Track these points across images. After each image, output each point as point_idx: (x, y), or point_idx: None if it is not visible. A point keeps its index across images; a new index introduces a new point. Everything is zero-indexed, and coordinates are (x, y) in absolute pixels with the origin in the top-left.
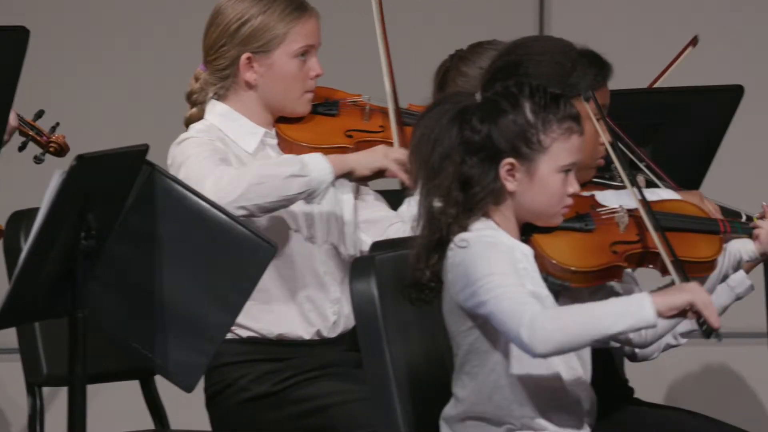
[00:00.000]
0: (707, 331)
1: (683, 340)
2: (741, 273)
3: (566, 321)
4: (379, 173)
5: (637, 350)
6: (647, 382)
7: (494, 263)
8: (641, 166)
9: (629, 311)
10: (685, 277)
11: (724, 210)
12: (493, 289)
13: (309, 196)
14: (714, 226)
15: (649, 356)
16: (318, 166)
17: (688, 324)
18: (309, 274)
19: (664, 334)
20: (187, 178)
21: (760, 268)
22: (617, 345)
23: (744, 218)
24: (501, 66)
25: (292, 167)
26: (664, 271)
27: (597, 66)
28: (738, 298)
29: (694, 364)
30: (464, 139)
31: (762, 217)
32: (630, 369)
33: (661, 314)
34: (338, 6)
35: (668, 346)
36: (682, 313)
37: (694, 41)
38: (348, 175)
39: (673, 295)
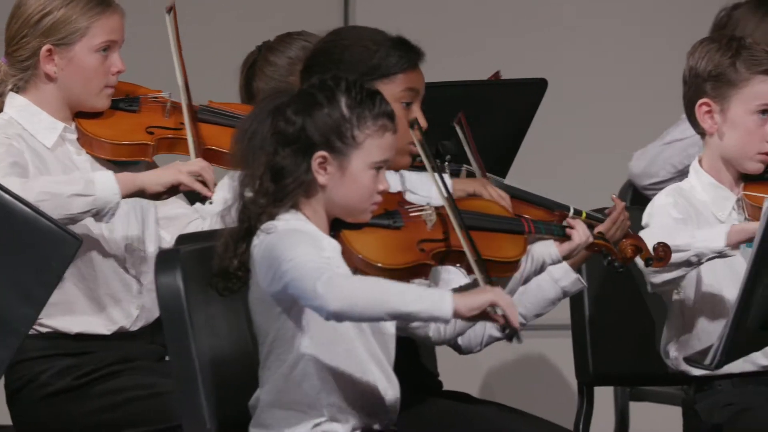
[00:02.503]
0: (509, 334)
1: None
2: (564, 266)
3: (364, 286)
4: (173, 188)
5: (461, 344)
6: (464, 375)
7: (297, 245)
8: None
9: (428, 298)
10: (488, 278)
11: (554, 203)
12: (294, 259)
13: (96, 215)
14: (519, 227)
15: (473, 349)
16: (105, 186)
17: None
18: (110, 271)
19: (461, 332)
20: None
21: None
22: (418, 336)
23: (572, 212)
24: (313, 54)
25: (77, 186)
26: (470, 271)
27: (404, 49)
28: (565, 292)
29: (508, 355)
30: (278, 129)
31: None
32: (446, 362)
33: (459, 313)
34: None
35: (492, 339)
36: (484, 314)
37: (496, 75)
38: (139, 194)
39: (474, 296)
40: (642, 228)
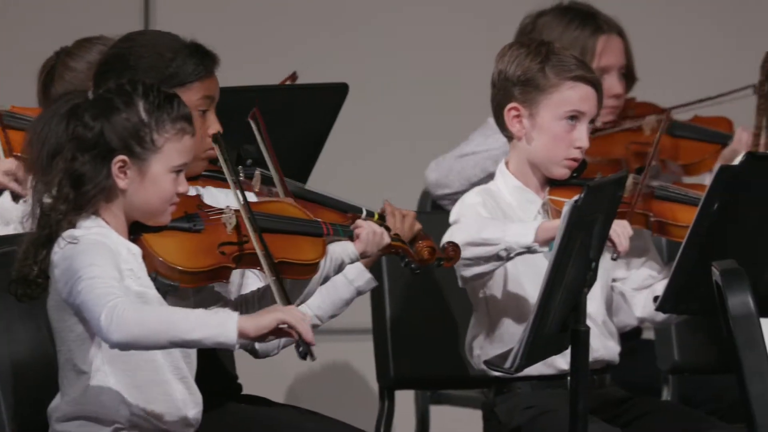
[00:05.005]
0: (303, 351)
1: None
2: (359, 266)
3: (148, 317)
4: None
5: (258, 348)
6: (264, 379)
7: (97, 258)
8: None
9: (211, 324)
10: (280, 280)
11: (348, 206)
12: (89, 279)
13: None
14: (317, 229)
15: (269, 353)
16: None
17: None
18: None
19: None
20: None
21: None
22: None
23: (364, 214)
24: (107, 59)
25: None
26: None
27: (200, 56)
28: (359, 291)
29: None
30: (75, 135)
31: (382, 214)
32: (247, 366)
33: (246, 335)
34: None
35: (289, 342)
36: (276, 331)
37: (293, 77)
38: None
39: (262, 316)
40: (449, 227)
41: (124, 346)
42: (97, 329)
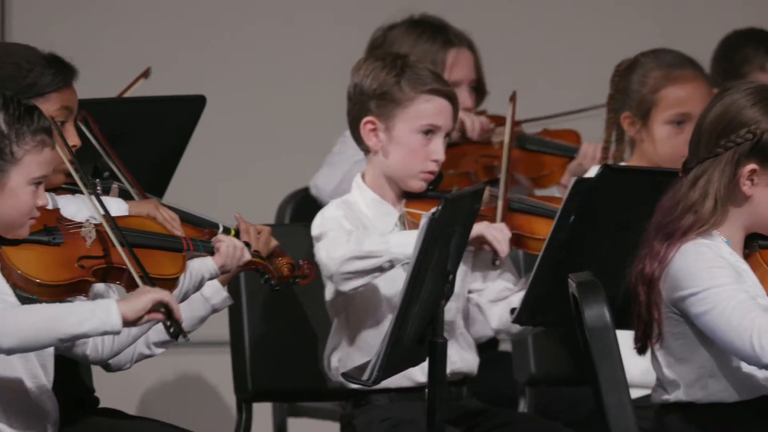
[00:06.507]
0: (175, 332)
1: (158, 350)
2: (215, 284)
3: (30, 317)
4: None
5: (110, 361)
6: (121, 392)
7: None
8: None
9: (95, 314)
10: (151, 280)
11: (205, 221)
12: None
13: None
14: (177, 244)
15: (122, 366)
16: None
17: (162, 333)
18: None
19: (119, 350)
20: None
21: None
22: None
23: (221, 230)
24: None
25: None
26: (129, 287)
27: (58, 67)
28: (215, 309)
29: (166, 372)
30: None
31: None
32: (103, 379)
33: (127, 319)
34: None
35: (142, 356)
36: (150, 313)
37: (146, 73)
38: None
39: (136, 298)
40: (310, 240)
41: (13, 351)
42: None
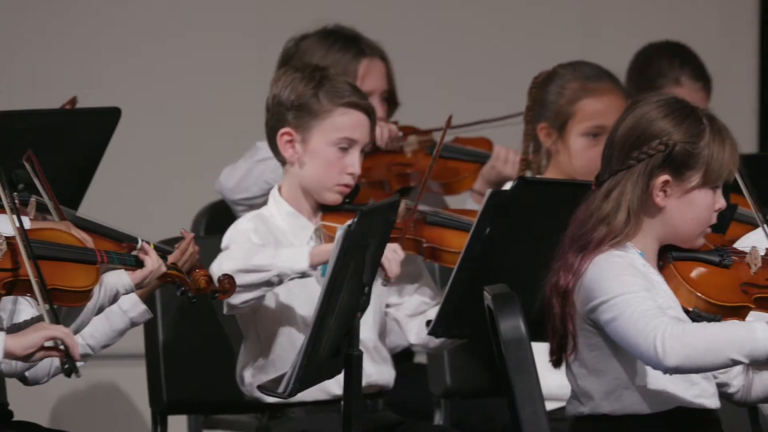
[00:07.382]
0: (68, 369)
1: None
2: (133, 297)
3: None
4: None
5: (27, 374)
6: (34, 405)
7: None
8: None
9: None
10: (53, 308)
11: (123, 235)
12: None
13: None
14: (91, 257)
15: (39, 380)
16: None
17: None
18: None
19: (30, 366)
20: None
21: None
22: None
23: (140, 243)
24: None
25: None
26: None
27: None
28: (133, 322)
29: (80, 384)
30: None
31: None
32: (17, 392)
33: (13, 354)
34: None
35: (59, 370)
36: (43, 350)
37: (72, 102)
38: None
39: (29, 335)
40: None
41: None
42: None
